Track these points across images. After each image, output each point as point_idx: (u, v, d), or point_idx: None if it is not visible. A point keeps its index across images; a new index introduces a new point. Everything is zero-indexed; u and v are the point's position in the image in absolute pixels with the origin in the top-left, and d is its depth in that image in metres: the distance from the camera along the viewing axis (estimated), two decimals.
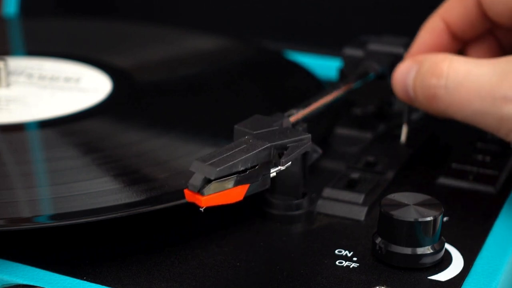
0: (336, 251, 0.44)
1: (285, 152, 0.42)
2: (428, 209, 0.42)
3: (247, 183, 0.40)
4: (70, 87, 0.57)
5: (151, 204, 0.43)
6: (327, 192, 0.48)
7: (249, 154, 0.40)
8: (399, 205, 0.42)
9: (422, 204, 0.42)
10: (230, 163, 0.39)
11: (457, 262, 0.43)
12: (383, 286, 0.41)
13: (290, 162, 0.42)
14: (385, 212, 0.42)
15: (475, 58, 0.52)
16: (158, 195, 0.44)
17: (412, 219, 0.42)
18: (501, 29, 0.53)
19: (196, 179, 0.39)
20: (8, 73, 0.58)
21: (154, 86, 0.59)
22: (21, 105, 0.55)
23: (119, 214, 0.42)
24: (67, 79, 0.59)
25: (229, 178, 0.39)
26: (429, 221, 0.42)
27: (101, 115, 0.53)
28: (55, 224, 0.42)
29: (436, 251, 0.42)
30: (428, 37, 0.53)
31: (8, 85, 0.58)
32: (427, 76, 0.47)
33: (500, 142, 0.54)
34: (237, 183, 0.40)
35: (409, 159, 0.52)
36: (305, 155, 0.46)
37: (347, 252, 0.44)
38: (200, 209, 0.39)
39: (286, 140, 0.42)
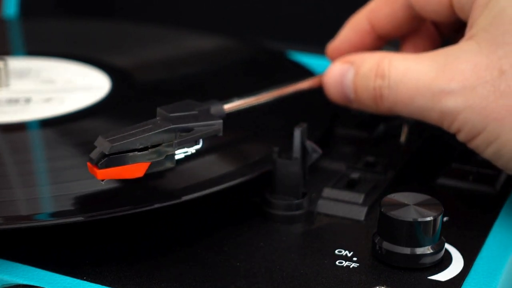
0: (336, 251, 0.44)
1: (186, 134, 0.43)
2: (428, 209, 0.42)
3: (147, 161, 0.42)
4: (70, 86, 0.57)
5: (151, 204, 0.43)
6: (327, 192, 0.48)
7: (148, 134, 0.42)
8: (399, 205, 0.42)
9: (422, 204, 0.42)
10: (127, 140, 0.41)
11: (457, 262, 0.43)
12: (383, 286, 0.41)
13: (199, 145, 0.44)
14: (385, 212, 0.42)
15: (413, 51, 0.53)
16: (158, 195, 0.44)
17: (412, 219, 0.42)
18: (438, 24, 0.53)
19: (94, 153, 0.41)
20: (8, 73, 0.58)
21: (154, 86, 0.59)
22: (21, 105, 0.55)
23: (119, 213, 0.42)
24: (67, 79, 0.59)
25: (126, 155, 0.41)
26: (429, 221, 0.42)
27: (101, 115, 0.53)
28: (54, 222, 0.42)
29: (436, 251, 0.42)
30: (352, 35, 0.53)
31: (8, 85, 0.58)
32: (370, 78, 0.48)
33: None
34: (135, 160, 0.41)
35: (409, 159, 0.52)
36: (305, 155, 0.46)
37: (347, 252, 0.44)
38: (101, 181, 0.41)
39: (192, 124, 0.44)
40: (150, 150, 0.42)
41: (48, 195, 0.45)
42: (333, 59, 0.54)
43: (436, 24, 0.53)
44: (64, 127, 0.52)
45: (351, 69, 0.49)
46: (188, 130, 0.44)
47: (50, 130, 0.51)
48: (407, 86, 0.46)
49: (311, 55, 0.68)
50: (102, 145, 0.41)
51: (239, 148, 0.51)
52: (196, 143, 0.44)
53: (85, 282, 0.41)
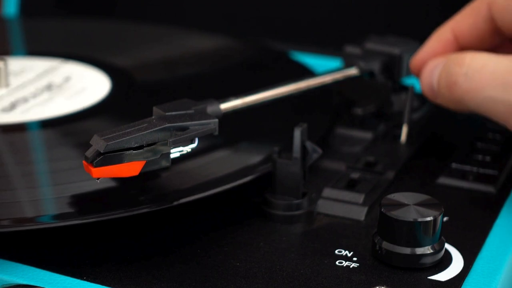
0: (336, 251, 0.44)
1: (181, 133, 0.43)
2: (428, 209, 0.42)
3: (143, 160, 0.42)
4: (70, 86, 0.57)
5: (151, 204, 0.43)
6: (327, 192, 0.48)
7: (143, 133, 0.42)
8: (399, 205, 0.42)
9: (422, 204, 0.42)
10: (122, 139, 0.41)
11: (457, 262, 0.43)
12: (383, 286, 0.41)
13: (194, 145, 0.44)
14: (385, 212, 0.42)
15: None
16: (158, 195, 0.44)
17: (412, 219, 0.42)
18: None
19: (90, 151, 0.41)
20: (8, 73, 0.58)
21: (154, 86, 0.59)
22: (21, 105, 0.55)
23: (119, 214, 0.42)
24: (67, 79, 0.59)
25: (121, 153, 0.41)
26: (429, 221, 0.42)
27: (101, 115, 0.53)
28: (57, 224, 0.42)
29: (436, 251, 0.42)
30: (436, 46, 0.54)
31: (8, 85, 0.58)
32: (451, 65, 0.49)
33: (500, 142, 0.54)
34: (130, 159, 0.42)
35: (409, 159, 0.52)
36: (305, 155, 0.46)
37: (347, 252, 0.44)
38: (96, 180, 0.41)
39: (187, 123, 0.44)
40: (145, 148, 0.42)
41: (52, 196, 0.45)
42: (416, 70, 0.55)
43: None
44: (65, 127, 0.52)
45: (441, 62, 0.51)
46: (184, 129, 0.44)
47: (51, 131, 0.51)
48: (482, 76, 0.48)
49: (312, 55, 0.68)
50: (98, 143, 0.41)
51: (239, 148, 0.51)
52: (192, 142, 0.44)
53: (85, 282, 0.41)
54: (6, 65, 0.58)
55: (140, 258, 0.43)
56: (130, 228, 0.45)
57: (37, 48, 0.65)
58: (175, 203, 0.43)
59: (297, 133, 0.46)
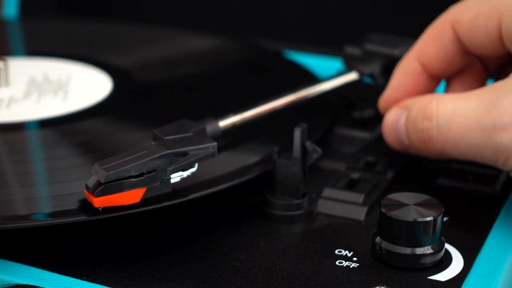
0: (336, 251, 0.44)
1: (181, 159, 0.43)
2: (428, 209, 0.42)
3: (143, 187, 0.42)
4: (70, 86, 0.57)
5: (151, 204, 0.43)
6: (327, 192, 0.48)
7: (143, 161, 0.42)
8: (399, 205, 0.42)
9: (422, 204, 0.42)
10: (122, 168, 0.41)
11: (457, 262, 0.43)
12: (383, 286, 0.41)
13: (194, 169, 0.44)
14: (385, 212, 0.42)
15: (461, 91, 0.50)
16: (158, 195, 0.44)
17: (412, 219, 0.42)
18: (485, 58, 0.51)
19: (91, 181, 0.41)
20: (8, 73, 0.58)
21: (154, 86, 0.59)
22: (21, 105, 0.55)
23: (119, 213, 0.42)
24: (67, 79, 0.59)
25: (122, 182, 0.41)
26: (429, 221, 0.42)
27: (101, 115, 0.53)
28: (53, 222, 0.42)
29: (436, 251, 0.42)
30: (404, 80, 0.51)
31: (8, 85, 0.58)
32: (418, 120, 0.47)
33: None
34: (131, 187, 0.42)
35: (409, 159, 0.52)
36: (305, 155, 0.46)
37: (347, 252, 0.44)
38: (98, 208, 0.41)
39: (186, 148, 0.44)
40: (145, 176, 0.42)
41: (48, 194, 0.45)
42: (385, 111, 0.52)
43: (483, 60, 0.52)
44: (65, 127, 0.52)
45: (403, 114, 0.48)
46: (183, 154, 0.44)
47: (51, 131, 0.51)
48: (457, 125, 0.45)
49: (311, 55, 0.68)
50: (98, 173, 0.41)
51: (239, 148, 0.51)
52: (191, 166, 0.44)
53: (85, 282, 0.41)
54: (6, 65, 0.58)
55: (140, 258, 0.43)
56: (130, 227, 0.45)
57: (38, 48, 0.65)
58: (174, 201, 0.43)
59: (297, 133, 0.46)
